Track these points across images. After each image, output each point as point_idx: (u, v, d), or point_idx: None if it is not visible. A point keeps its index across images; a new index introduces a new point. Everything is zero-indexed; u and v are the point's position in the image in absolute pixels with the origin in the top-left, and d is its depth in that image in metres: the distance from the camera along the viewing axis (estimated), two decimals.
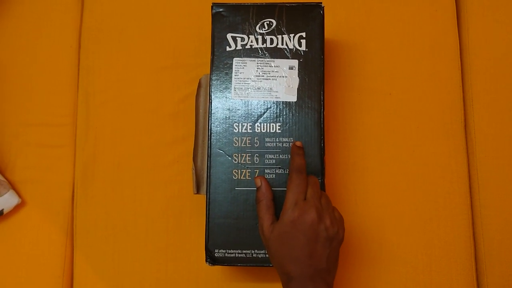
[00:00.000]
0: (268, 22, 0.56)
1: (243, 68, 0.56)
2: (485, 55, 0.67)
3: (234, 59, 0.56)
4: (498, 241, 0.63)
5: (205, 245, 0.53)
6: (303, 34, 0.56)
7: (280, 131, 0.55)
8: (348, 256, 0.62)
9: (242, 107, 0.55)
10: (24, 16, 0.70)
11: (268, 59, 0.56)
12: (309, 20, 0.56)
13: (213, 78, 0.56)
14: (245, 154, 0.54)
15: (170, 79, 0.67)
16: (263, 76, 0.55)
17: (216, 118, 0.55)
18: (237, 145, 0.55)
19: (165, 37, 0.68)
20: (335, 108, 0.65)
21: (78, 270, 0.64)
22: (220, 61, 0.56)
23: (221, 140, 0.55)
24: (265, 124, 0.55)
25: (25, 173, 0.66)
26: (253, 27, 0.56)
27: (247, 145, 0.54)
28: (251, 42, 0.56)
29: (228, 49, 0.56)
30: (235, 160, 0.54)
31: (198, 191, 0.57)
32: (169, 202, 0.64)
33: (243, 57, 0.56)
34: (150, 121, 0.66)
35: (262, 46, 0.56)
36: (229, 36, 0.56)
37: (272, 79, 0.55)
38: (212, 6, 0.57)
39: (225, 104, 0.55)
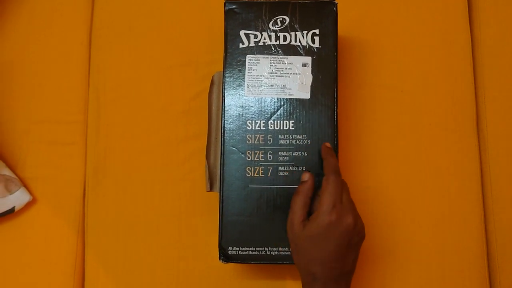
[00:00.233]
0: (281, 19, 0.56)
1: (256, 65, 0.55)
2: (498, 51, 0.67)
3: (247, 56, 0.56)
4: (511, 238, 0.63)
5: (218, 242, 0.53)
6: (317, 31, 0.56)
7: (293, 128, 0.54)
8: (360, 254, 0.62)
9: (255, 104, 0.55)
10: (34, 14, 0.70)
11: (281, 56, 0.55)
12: (322, 17, 0.56)
13: (226, 75, 0.56)
14: (258, 152, 0.54)
15: (181, 76, 0.67)
16: (276, 73, 0.55)
17: (229, 116, 0.55)
18: (250, 142, 0.54)
19: (176, 34, 0.68)
20: (346, 105, 0.65)
21: (90, 268, 0.64)
22: (233, 58, 0.56)
23: (234, 137, 0.55)
24: (278, 121, 0.55)
25: (36, 170, 0.66)
26: (266, 24, 0.56)
27: (261, 143, 0.54)
28: (264, 39, 0.56)
29: (241, 46, 0.56)
30: (248, 158, 0.54)
31: (211, 188, 0.57)
32: (180, 199, 0.64)
33: (256, 54, 0.56)
34: (161, 119, 0.66)
35: (275, 43, 0.56)
36: (242, 33, 0.56)
37: (286, 76, 0.55)
38: (225, 3, 0.57)
39: (238, 101, 0.55)
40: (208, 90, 0.60)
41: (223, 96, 0.55)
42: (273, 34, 0.56)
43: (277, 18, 0.56)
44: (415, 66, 0.67)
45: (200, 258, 0.62)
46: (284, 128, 0.54)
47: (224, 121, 0.55)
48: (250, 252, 0.53)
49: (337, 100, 0.55)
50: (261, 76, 0.55)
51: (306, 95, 0.55)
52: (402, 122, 0.65)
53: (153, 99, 0.67)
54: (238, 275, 0.62)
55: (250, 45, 0.56)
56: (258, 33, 0.56)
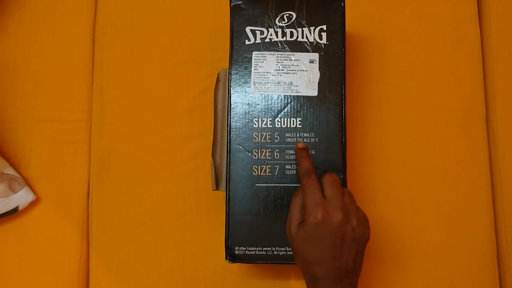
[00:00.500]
0: (287, 15, 0.55)
1: (263, 62, 0.55)
2: (507, 47, 0.66)
3: (254, 52, 0.55)
4: None
5: (225, 242, 0.53)
6: (324, 27, 0.55)
7: (300, 126, 0.53)
8: (367, 253, 0.60)
9: (261, 101, 0.54)
10: (37, 11, 0.69)
11: (288, 53, 0.55)
12: (330, 12, 0.55)
13: (232, 73, 0.55)
14: (265, 150, 0.53)
15: (185, 73, 0.66)
16: (283, 70, 0.54)
17: (236, 113, 0.54)
18: (257, 140, 0.54)
19: (180, 31, 0.67)
20: (353, 103, 0.64)
21: (94, 267, 0.63)
22: (239, 55, 0.55)
23: (240, 135, 0.54)
24: (285, 119, 0.54)
25: (40, 169, 0.65)
26: (273, 20, 0.55)
27: (267, 141, 0.53)
28: (271, 35, 0.55)
29: (247, 42, 0.55)
30: (255, 156, 0.53)
31: (217, 187, 0.56)
32: (185, 198, 0.63)
33: (262, 50, 0.55)
34: (166, 117, 0.65)
35: (281, 39, 0.55)
36: (248, 29, 0.55)
37: (292, 73, 0.54)
38: None
39: (244, 98, 0.54)
40: (214, 88, 0.59)
41: (229, 93, 0.55)
42: (279, 30, 0.55)
43: (284, 14, 0.55)
44: (424, 62, 0.66)
45: (205, 257, 0.62)
46: (291, 126, 0.54)
47: (230, 119, 0.54)
48: (257, 252, 0.52)
49: (345, 97, 0.54)
50: (267, 73, 0.54)
51: (314, 92, 0.54)
52: (410, 120, 0.64)
53: (157, 97, 0.66)
54: (244, 275, 0.61)
55: (256, 42, 0.55)
56: (264, 30, 0.55)
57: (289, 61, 0.54)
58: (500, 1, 0.67)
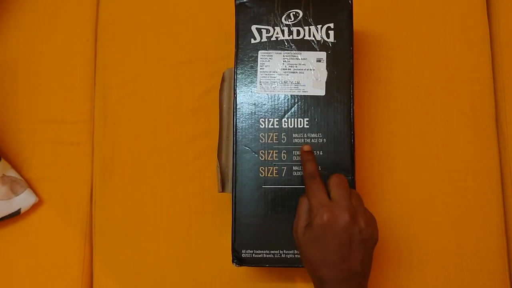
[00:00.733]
0: (294, 13, 0.54)
1: (269, 61, 0.53)
2: None
3: (259, 51, 0.54)
4: None
5: (231, 245, 0.52)
6: (331, 25, 0.54)
7: (308, 126, 0.52)
8: (375, 254, 0.60)
9: (268, 101, 0.53)
10: (39, 11, 0.68)
11: (294, 52, 0.53)
12: (337, 10, 0.54)
13: (237, 72, 0.54)
14: (272, 151, 0.52)
15: (189, 73, 0.65)
16: (290, 69, 0.53)
17: (241, 114, 0.53)
18: (263, 141, 0.53)
19: (183, 30, 0.66)
20: (361, 102, 0.63)
21: (98, 270, 0.62)
22: (245, 54, 0.54)
23: (246, 136, 0.53)
24: (292, 119, 0.53)
25: (42, 171, 0.64)
26: (279, 18, 0.54)
27: (274, 141, 0.52)
28: (277, 34, 0.54)
29: (253, 41, 0.54)
30: (262, 157, 0.52)
31: (223, 189, 0.55)
32: (190, 200, 0.62)
33: (268, 49, 0.54)
34: (170, 117, 0.64)
35: (288, 38, 0.54)
36: (253, 28, 0.54)
37: (299, 72, 0.53)
38: None
39: (250, 98, 0.53)
40: (219, 88, 0.58)
41: (235, 93, 0.53)
42: (286, 29, 0.54)
43: (290, 12, 0.54)
44: (432, 61, 0.65)
45: (211, 260, 0.61)
46: (299, 126, 0.52)
47: (236, 119, 0.53)
48: (265, 255, 0.51)
49: (353, 97, 0.53)
50: (274, 72, 0.53)
51: (321, 91, 0.53)
52: (418, 119, 0.63)
53: (161, 97, 0.65)
54: (250, 277, 0.60)
55: (262, 41, 0.54)
56: (270, 28, 0.54)
57: (296, 60, 0.53)
58: None
